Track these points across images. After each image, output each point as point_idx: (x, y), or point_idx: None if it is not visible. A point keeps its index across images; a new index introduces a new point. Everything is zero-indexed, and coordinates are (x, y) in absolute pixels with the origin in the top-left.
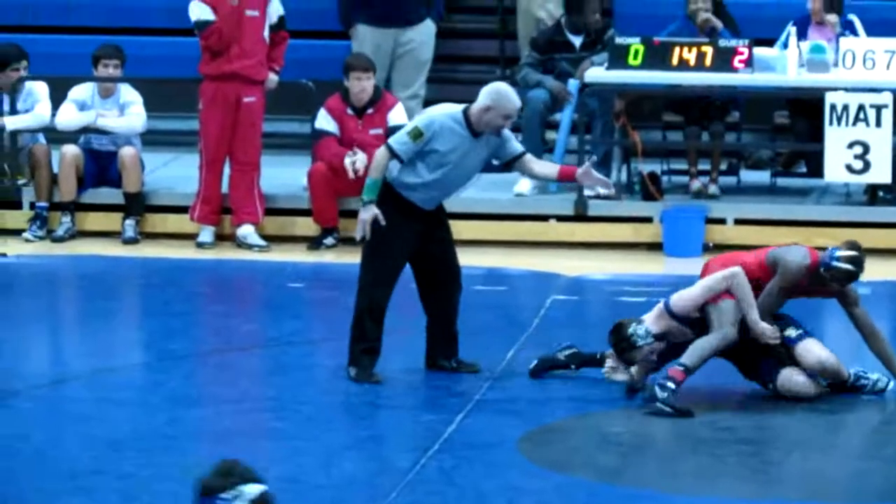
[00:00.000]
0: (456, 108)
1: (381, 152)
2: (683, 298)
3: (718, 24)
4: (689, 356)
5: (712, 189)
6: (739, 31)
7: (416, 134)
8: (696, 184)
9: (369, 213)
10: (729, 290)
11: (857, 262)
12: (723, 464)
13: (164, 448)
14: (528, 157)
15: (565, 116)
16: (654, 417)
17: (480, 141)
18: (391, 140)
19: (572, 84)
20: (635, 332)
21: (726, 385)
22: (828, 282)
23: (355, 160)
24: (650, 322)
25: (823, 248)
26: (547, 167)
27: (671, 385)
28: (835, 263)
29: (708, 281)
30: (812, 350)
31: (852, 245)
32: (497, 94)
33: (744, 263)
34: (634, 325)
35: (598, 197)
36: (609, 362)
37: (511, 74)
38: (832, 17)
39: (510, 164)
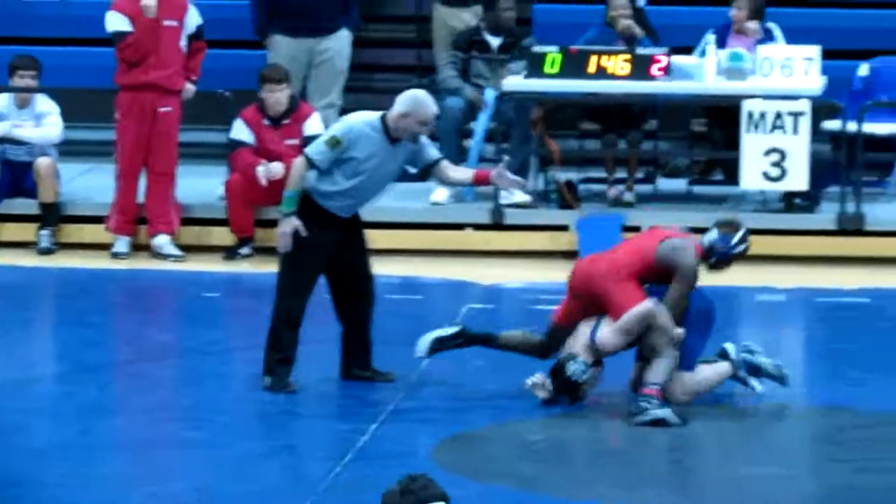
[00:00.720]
0: (373, 116)
1: (298, 163)
2: (611, 343)
3: (639, 31)
4: (659, 375)
5: (627, 196)
6: (659, 39)
7: (334, 142)
8: (613, 191)
9: (290, 225)
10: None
11: (747, 240)
12: (640, 471)
13: (79, 458)
14: (445, 163)
15: (479, 125)
16: (571, 426)
17: (397, 148)
18: (308, 150)
19: (489, 93)
20: (574, 371)
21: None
22: (712, 267)
23: (269, 169)
24: (583, 353)
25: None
26: (462, 172)
27: (656, 401)
28: (735, 251)
29: (626, 325)
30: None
31: (734, 223)
32: (414, 100)
33: (628, 266)
34: (570, 363)
35: (514, 206)
36: (536, 378)
37: (428, 83)
38: (753, 24)
39: (426, 170)
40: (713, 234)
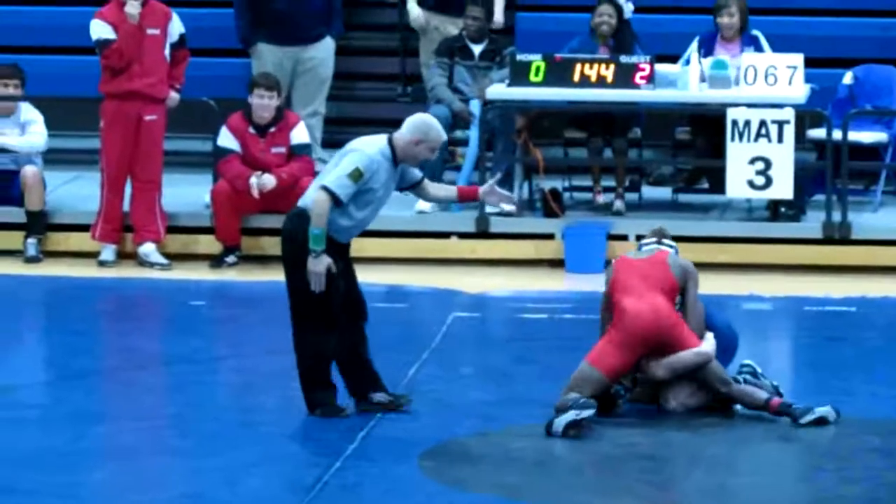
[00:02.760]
0: (382, 142)
1: (322, 199)
2: (661, 374)
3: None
4: (759, 392)
5: (617, 205)
6: (641, 48)
7: (358, 175)
8: (601, 197)
9: (323, 264)
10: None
11: None
12: (625, 480)
13: (67, 465)
14: (427, 182)
15: (472, 137)
16: (554, 437)
17: (398, 169)
18: (330, 184)
19: (473, 104)
20: (616, 389)
21: (627, 402)
22: None
23: (262, 181)
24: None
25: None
26: (445, 190)
27: (798, 407)
28: None
29: (680, 364)
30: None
31: (665, 232)
32: (427, 127)
33: (672, 302)
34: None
35: (499, 214)
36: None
37: (412, 92)
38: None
39: (409, 188)
40: (670, 242)
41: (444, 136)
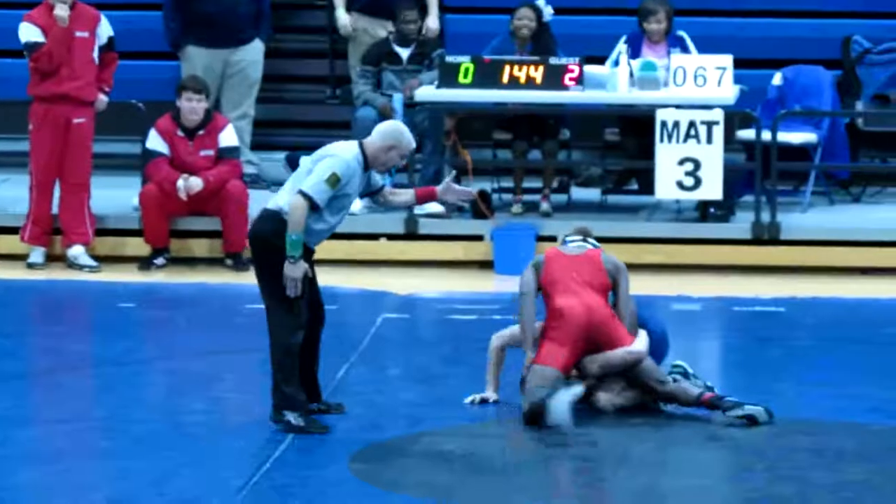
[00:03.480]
0: (356, 148)
1: (299, 204)
2: (594, 372)
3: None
4: (693, 388)
5: (544, 207)
6: (561, 51)
7: (335, 180)
8: (517, 206)
9: (300, 270)
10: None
11: None
12: (555, 480)
13: None
14: (388, 188)
15: None
16: (485, 435)
17: (366, 175)
18: (308, 189)
19: (396, 99)
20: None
21: None
22: None
23: (189, 184)
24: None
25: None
26: (404, 194)
27: (730, 399)
28: None
29: (612, 362)
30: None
31: (589, 231)
32: (399, 133)
33: (605, 300)
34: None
35: (428, 215)
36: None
37: (341, 94)
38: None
39: (370, 195)
40: (594, 241)
41: (414, 144)
